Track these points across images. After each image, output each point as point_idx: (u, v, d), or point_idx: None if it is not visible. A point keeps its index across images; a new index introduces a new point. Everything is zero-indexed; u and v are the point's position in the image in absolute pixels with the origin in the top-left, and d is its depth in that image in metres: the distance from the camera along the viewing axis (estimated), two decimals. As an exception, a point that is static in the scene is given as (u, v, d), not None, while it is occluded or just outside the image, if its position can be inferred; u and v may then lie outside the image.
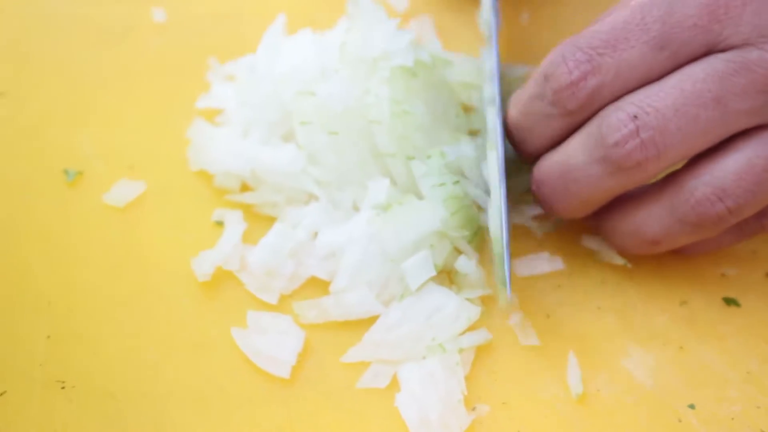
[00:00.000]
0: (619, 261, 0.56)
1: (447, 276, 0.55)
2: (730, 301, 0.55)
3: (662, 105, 0.47)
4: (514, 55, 0.71)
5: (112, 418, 0.49)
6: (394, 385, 0.51)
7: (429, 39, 0.69)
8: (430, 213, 0.53)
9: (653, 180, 0.51)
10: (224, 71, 0.66)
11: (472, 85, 0.63)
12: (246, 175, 0.58)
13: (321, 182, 0.55)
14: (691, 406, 0.50)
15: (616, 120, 0.48)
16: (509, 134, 0.55)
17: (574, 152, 0.51)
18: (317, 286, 0.55)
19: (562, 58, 0.49)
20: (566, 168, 0.51)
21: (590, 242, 0.57)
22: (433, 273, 0.53)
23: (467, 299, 0.53)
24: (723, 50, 0.48)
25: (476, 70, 0.64)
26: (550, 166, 0.53)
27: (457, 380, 0.50)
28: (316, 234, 0.56)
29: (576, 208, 0.53)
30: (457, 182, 0.54)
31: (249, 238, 0.56)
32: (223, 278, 0.55)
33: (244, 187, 0.59)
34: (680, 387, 0.51)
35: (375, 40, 0.58)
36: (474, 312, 0.52)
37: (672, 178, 0.51)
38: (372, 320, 0.53)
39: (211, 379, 0.51)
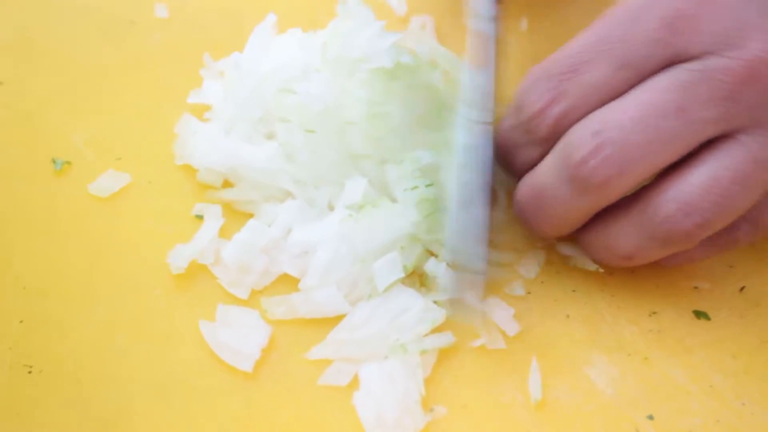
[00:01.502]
0: (592, 267, 0.56)
1: (418, 278, 0.55)
2: (700, 314, 0.55)
3: (623, 118, 0.47)
4: (512, 61, 0.71)
5: (76, 402, 0.50)
6: (355, 383, 0.51)
7: (426, 41, 0.70)
8: (402, 216, 0.54)
9: (628, 194, 0.51)
10: (217, 67, 0.67)
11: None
12: (227, 172, 0.59)
13: (297, 180, 0.56)
14: (650, 417, 0.50)
15: (578, 138, 0.48)
16: (497, 157, 0.56)
17: (545, 174, 0.51)
18: (289, 282, 0.56)
19: (530, 87, 0.50)
20: (539, 190, 0.52)
21: (564, 248, 0.57)
22: (402, 275, 0.53)
23: (434, 302, 0.53)
24: (685, 61, 0.47)
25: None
26: (525, 188, 0.53)
27: (415, 381, 0.51)
28: (290, 231, 0.56)
29: (555, 228, 0.53)
30: (429, 185, 0.55)
31: (226, 233, 0.57)
32: (197, 271, 0.56)
33: (227, 183, 0.60)
34: (640, 397, 0.51)
35: (356, 41, 0.59)
36: (439, 314, 0.53)
37: (641, 194, 0.50)
38: (339, 319, 0.54)
39: (175, 369, 0.52)
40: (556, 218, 0.52)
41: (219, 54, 0.68)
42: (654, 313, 0.55)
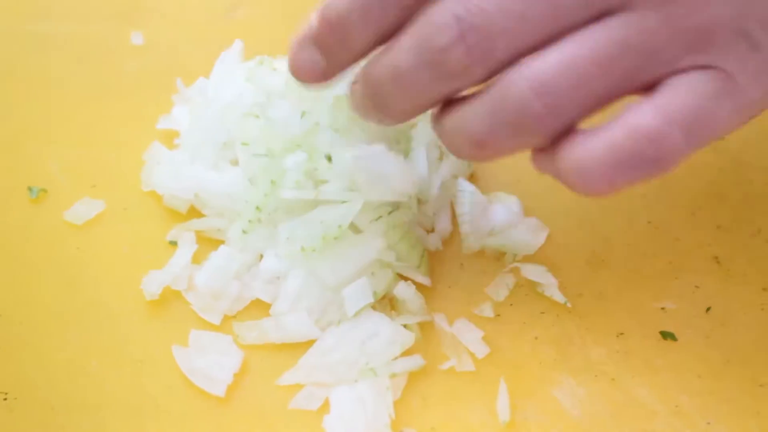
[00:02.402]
0: (560, 299, 0.56)
1: (389, 302, 0.56)
2: (666, 335, 0.56)
3: (485, 3, 0.42)
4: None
5: (51, 429, 0.51)
6: (326, 406, 0.52)
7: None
8: (367, 246, 0.54)
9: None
10: (187, 93, 0.68)
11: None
12: (191, 198, 0.59)
13: (260, 206, 0.56)
14: (617, 438, 0.51)
15: (440, 20, 0.43)
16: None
17: (403, 55, 0.46)
18: (261, 308, 0.56)
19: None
20: (397, 72, 0.47)
21: (531, 273, 0.58)
22: (371, 300, 0.54)
23: (403, 325, 0.54)
24: None
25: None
26: (382, 68, 0.48)
27: (385, 404, 0.51)
28: (261, 256, 0.57)
29: (409, 112, 0.49)
30: (391, 212, 0.55)
31: (199, 258, 0.58)
32: (171, 297, 0.57)
33: (193, 208, 0.61)
34: (607, 418, 0.52)
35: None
36: (408, 338, 0.54)
37: (498, 75, 0.46)
38: (310, 343, 0.54)
39: (149, 394, 0.52)
40: (412, 102, 0.48)
41: (193, 80, 0.69)
42: (621, 334, 0.55)
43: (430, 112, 0.50)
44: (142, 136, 0.66)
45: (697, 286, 0.58)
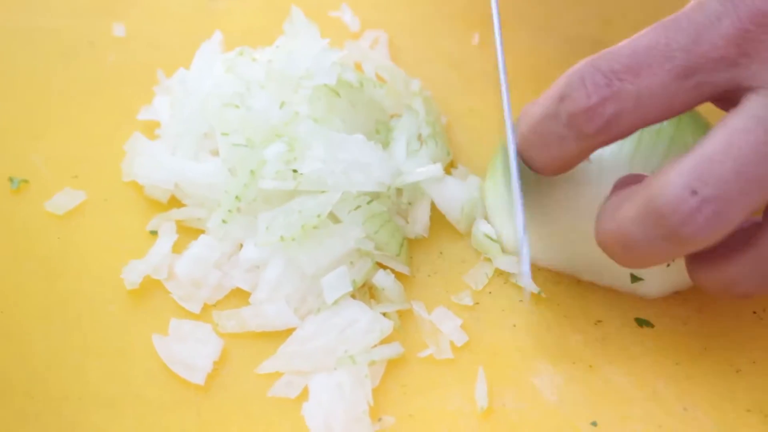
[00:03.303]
0: (534, 289, 0.57)
1: (368, 290, 0.57)
2: (642, 322, 0.56)
3: (720, 171, 0.43)
4: (464, 75, 0.72)
5: (29, 418, 0.51)
6: (304, 394, 0.52)
7: (374, 57, 0.71)
8: (346, 235, 0.55)
9: None
10: (168, 84, 0.68)
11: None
12: (171, 188, 0.60)
13: (239, 196, 0.56)
14: (594, 423, 0.51)
15: (673, 196, 0.44)
16: (519, 150, 0.53)
17: (630, 224, 0.47)
18: (242, 296, 0.57)
19: (581, 80, 0.47)
20: (626, 239, 0.47)
21: (506, 264, 0.58)
22: (350, 288, 0.54)
23: (382, 313, 0.54)
24: (750, 87, 0.45)
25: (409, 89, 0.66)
26: (609, 233, 0.49)
27: (364, 392, 0.51)
28: (241, 245, 0.57)
29: (640, 265, 0.52)
30: (370, 202, 0.56)
31: (179, 248, 0.58)
32: (151, 286, 0.57)
33: (174, 198, 0.61)
34: (585, 404, 0.52)
35: (301, 58, 0.60)
36: (387, 326, 0.54)
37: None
38: (289, 332, 0.54)
39: (128, 383, 0.53)
40: (644, 263, 0.50)
41: (175, 71, 0.69)
42: (599, 321, 0.56)
43: None
44: (123, 127, 0.66)
45: (674, 274, 0.58)
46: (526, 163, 0.53)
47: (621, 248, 0.48)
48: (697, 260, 0.50)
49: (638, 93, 0.46)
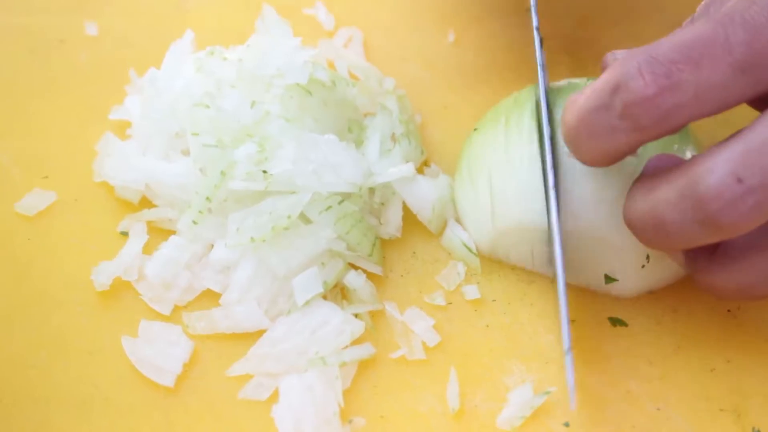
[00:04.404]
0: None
1: (340, 292, 0.56)
2: (617, 322, 0.56)
3: (763, 161, 0.43)
4: (439, 73, 0.72)
5: (-4, 420, 0.50)
6: (275, 396, 0.52)
7: (347, 55, 0.70)
8: (316, 236, 0.55)
9: None
10: (140, 83, 0.67)
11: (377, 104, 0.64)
12: (142, 189, 0.59)
13: (210, 197, 0.56)
14: (566, 425, 0.51)
15: (719, 183, 0.43)
16: (565, 141, 0.52)
17: (667, 207, 0.46)
18: (212, 298, 0.56)
19: (638, 69, 0.45)
20: (660, 221, 0.47)
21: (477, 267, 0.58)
22: (321, 290, 0.54)
23: (353, 314, 0.54)
24: None
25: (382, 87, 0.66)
26: (641, 213, 0.49)
27: (334, 393, 0.51)
28: (212, 246, 0.57)
29: (668, 247, 0.51)
30: (342, 202, 0.55)
31: (150, 249, 0.57)
32: (121, 288, 0.57)
33: (145, 199, 0.61)
34: (557, 404, 0.52)
35: (272, 57, 0.59)
36: (358, 327, 0.54)
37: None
38: (260, 333, 0.54)
39: (97, 385, 0.52)
40: (671, 245, 0.49)
41: (147, 70, 0.68)
42: (572, 321, 0.56)
43: None
44: (94, 127, 0.65)
45: (648, 273, 0.58)
46: (573, 154, 0.51)
47: (652, 229, 0.48)
48: (707, 262, 0.50)
49: (697, 85, 0.45)
